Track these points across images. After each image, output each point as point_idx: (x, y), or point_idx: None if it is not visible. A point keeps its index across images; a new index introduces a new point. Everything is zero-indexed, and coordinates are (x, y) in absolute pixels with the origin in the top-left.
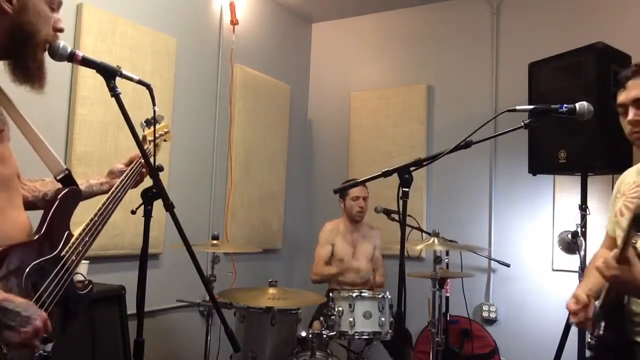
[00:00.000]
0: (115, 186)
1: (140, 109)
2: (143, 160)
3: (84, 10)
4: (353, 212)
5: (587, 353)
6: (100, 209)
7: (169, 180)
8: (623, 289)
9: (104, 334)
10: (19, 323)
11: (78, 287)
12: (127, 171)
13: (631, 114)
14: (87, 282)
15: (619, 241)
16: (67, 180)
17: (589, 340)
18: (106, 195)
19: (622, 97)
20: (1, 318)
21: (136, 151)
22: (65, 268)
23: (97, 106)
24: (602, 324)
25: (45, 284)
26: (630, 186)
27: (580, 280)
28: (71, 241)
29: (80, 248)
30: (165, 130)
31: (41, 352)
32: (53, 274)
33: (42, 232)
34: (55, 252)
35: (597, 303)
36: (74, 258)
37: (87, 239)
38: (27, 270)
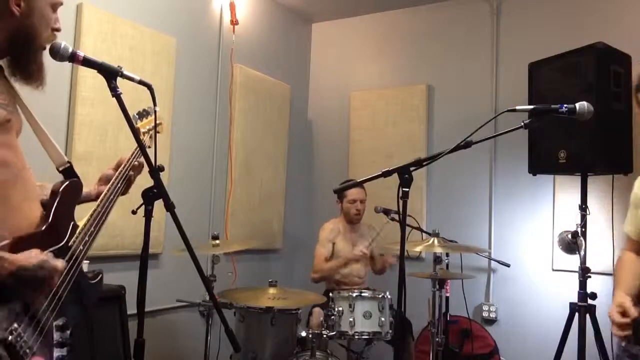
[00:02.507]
0: (103, 194)
1: (140, 109)
2: (133, 165)
3: (84, 10)
4: (350, 214)
5: None
6: (90, 217)
7: (169, 180)
8: None
9: (104, 334)
10: (39, 284)
11: (89, 277)
12: (114, 176)
13: None
14: (96, 271)
15: None
16: (69, 172)
17: (622, 344)
18: (96, 203)
19: None
20: (20, 282)
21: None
22: (73, 258)
23: (97, 106)
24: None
25: None
26: None
27: (583, 280)
28: (77, 232)
29: (87, 238)
30: (159, 122)
31: (59, 339)
32: None
33: (48, 223)
34: (63, 242)
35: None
36: (82, 248)
37: (92, 229)
38: None
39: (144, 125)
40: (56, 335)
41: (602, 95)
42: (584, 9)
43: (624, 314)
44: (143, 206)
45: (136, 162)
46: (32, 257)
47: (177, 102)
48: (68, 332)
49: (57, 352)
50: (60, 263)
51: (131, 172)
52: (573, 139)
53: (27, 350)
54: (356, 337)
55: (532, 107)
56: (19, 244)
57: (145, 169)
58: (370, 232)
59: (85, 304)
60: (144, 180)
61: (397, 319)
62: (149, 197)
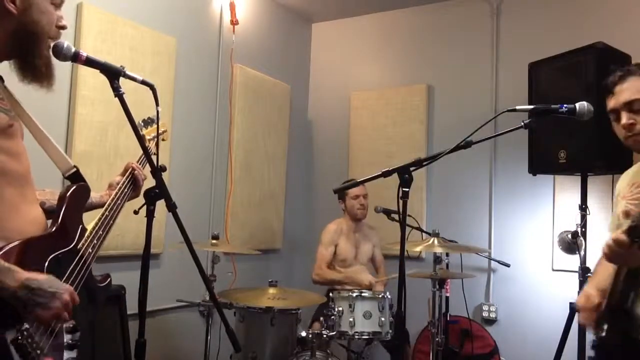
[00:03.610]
0: (111, 198)
1: (141, 109)
2: (134, 164)
3: (84, 10)
4: (355, 210)
5: (591, 353)
6: (99, 220)
7: (170, 180)
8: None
9: (104, 334)
10: (47, 299)
11: (98, 280)
12: (122, 181)
13: (624, 118)
14: (105, 274)
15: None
16: (76, 177)
17: (593, 339)
18: (103, 208)
19: (612, 102)
20: (29, 297)
21: (135, 152)
22: (82, 260)
23: (97, 106)
24: (605, 326)
25: (65, 276)
26: (629, 189)
27: (582, 280)
28: (85, 235)
29: (96, 241)
30: (163, 129)
31: (69, 341)
32: (72, 266)
33: (57, 226)
34: (72, 245)
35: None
36: (90, 251)
37: (100, 232)
38: (46, 263)
39: (149, 132)
40: (66, 337)
41: (602, 95)
42: (584, 9)
43: (588, 301)
44: (145, 206)
45: (135, 165)
46: (41, 274)
47: (177, 102)
48: (77, 334)
49: (67, 354)
50: (67, 290)
51: (137, 172)
52: (573, 139)
53: (38, 352)
54: (356, 337)
55: (532, 107)
56: (29, 246)
57: (148, 169)
58: (373, 233)
59: (94, 307)
60: (146, 181)
61: (397, 320)
62: (150, 197)
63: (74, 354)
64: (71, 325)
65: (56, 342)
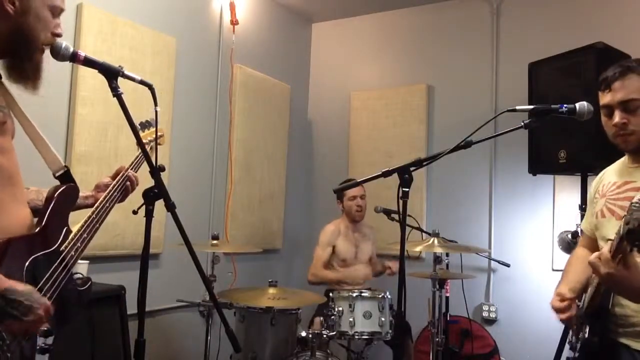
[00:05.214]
0: (99, 201)
1: (140, 109)
2: (130, 172)
3: (84, 10)
4: (352, 211)
5: (569, 354)
6: (84, 223)
7: (169, 180)
8: (614, 288)
9: (104, 334)
10: (22, 312)
11: (78, 283)
12: (112, 185)
13: (617, 116)
14: (86, 278)
15: (602, 243)
16: (65, 177)
17: (570, 339)
18: (91, 210)
19: (608, 98)
20: (4, 307)
21: (135, 152)
22: (64, 263)
23: (97, 106)
24: (587, 328)
25: (44, 278)
26: (609, 187)
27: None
28: (69, 237)
29: (79, 244)
30: (160, 134)
31: (42, 344)
32: (52, 268)
33: (42, 226)
34: (54, 246)
35: (581, 304)
36: (73, 254)
37: (85, 235)
38: (27, 263)
39: (145, 136)
40: (39, 341)
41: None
42: (584, 9)
43: (562, 301)
44: (144, 206)
45: (132, 174)
46: (21, 284)
47: (177, 102)
48: (51, 338)
49: (38, 359)
50: (43, 305)
51: (128, 183)
52: (573, 139)
53: (9, 355)
54: (356, 337)
55: (532, 107)
56: (10, 246)
57: (147, 169)
58: (371, 232)
59: (72, 311)
60: (145, 181)
61: (397, 320)
62: (149, 197)
63: (45, 358)
64: (45, 329)
65: (29, 346)
